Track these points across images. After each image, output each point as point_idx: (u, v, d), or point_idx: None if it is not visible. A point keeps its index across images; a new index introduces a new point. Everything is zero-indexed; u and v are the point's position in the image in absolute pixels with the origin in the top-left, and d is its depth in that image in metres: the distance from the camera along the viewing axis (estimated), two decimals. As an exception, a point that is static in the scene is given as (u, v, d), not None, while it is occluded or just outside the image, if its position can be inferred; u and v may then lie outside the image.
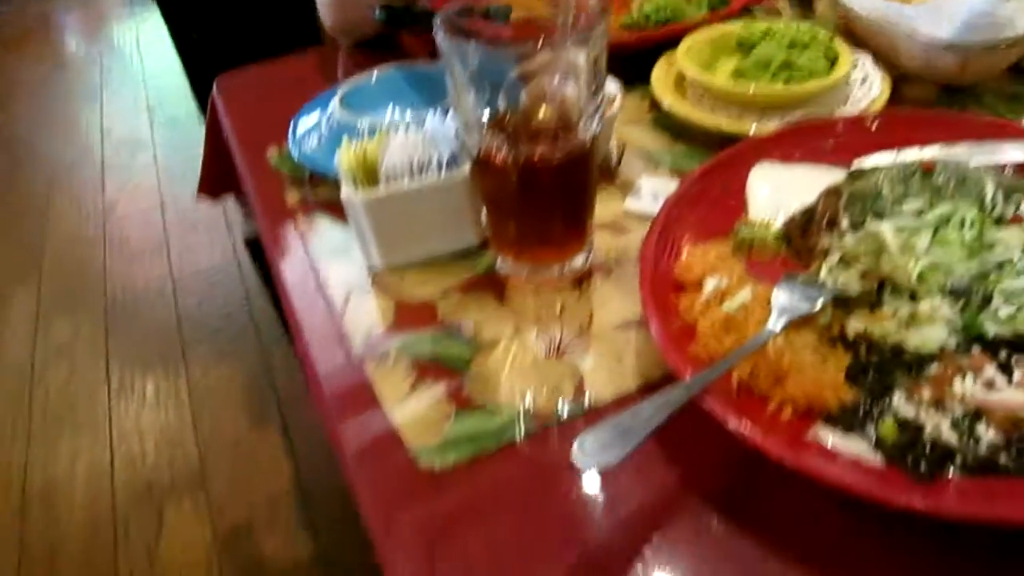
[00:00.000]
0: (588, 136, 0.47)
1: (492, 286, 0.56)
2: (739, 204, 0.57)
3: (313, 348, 0.53)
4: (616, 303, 0.53)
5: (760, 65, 0.70)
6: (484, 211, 0.56)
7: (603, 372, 0.48)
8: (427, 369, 0.50)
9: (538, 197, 0.50)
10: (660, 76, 0.74)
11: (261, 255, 1.19)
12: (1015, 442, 0.39)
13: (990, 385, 0.42)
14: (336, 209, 0.65)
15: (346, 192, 0.54)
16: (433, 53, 0.48)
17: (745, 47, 0.74)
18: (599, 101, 0.47)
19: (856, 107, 0.68)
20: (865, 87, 0.70)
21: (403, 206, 0.54)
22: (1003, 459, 0.39)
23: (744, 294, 0.46)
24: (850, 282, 0.48)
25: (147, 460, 1.43)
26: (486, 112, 0.48)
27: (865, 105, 0.68)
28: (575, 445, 0.36)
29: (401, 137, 0.54)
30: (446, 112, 0.57)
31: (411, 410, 0.47)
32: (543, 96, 0.47)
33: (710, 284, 0.47)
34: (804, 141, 0.61)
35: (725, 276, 0.47)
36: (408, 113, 0.66)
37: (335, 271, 0.59)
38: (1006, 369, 0.43)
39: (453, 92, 0.48)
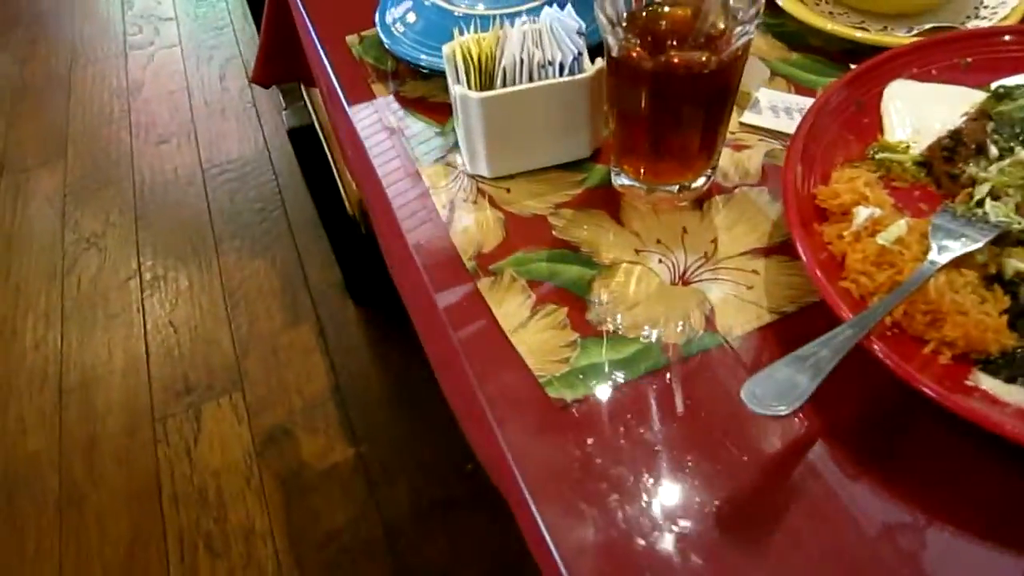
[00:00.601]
0: (741, 44, 0.44)
1: (606, 202, 0.54)
2: (874, 124, 0.54)
3: (420, 259, 0.51)
4: (741, 227, 0.51)
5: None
6: (607, 119, 0.53)
7: (733, 302, 0.47)
8: (546, 291, 0.48)
9: (677, 107, 0.47)
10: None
11: (306, 147, 1.16)
12: None
13: None
14: (431, 107, 0.62)
15: (459, 89, 0.51)
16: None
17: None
18: (758, 5, 0.43)
19: (991, 17, 0.63)
20: (1007, -4, 0.65)
21: (521, 108, 0.51)
22: None
23: (900, 226, 0.44)
24: (1008, 216, 0.45)
25: (184, 357, 1.45)
26: (631, 7, 0.44)
27: (1003, 15, 0.63)
28: (744, 390, 0.35)
29: (519, 31, 0.51)
30: (564, 3, 0.53)
31: (533, 336, 0.46)
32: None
33: (862, 214, 0.45)
34: (941, 56, 0.57)
35: (876, 206, 0.45)
36: (526, 2, 0.62)
37: (433, 175, 0.57)
38: None
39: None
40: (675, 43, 0.45)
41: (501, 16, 0.58)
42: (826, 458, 0.40)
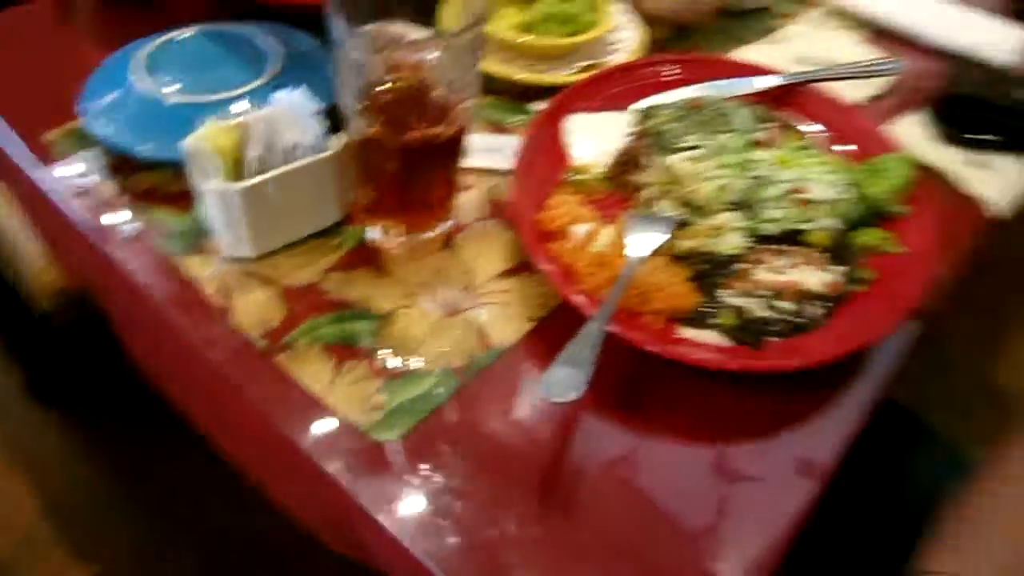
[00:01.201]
0: (467, 112, 0.55)
1: (367, 258, 0.61)
2: (563, 152, 0.69)
3: (210, 354, 0.54)
4: (486, 256, 0.62)
5: (543, 18, 0.81)
6: (354, 186, 0.60)
7: (499, 320, 0.58)
8: (342, 350, 0.55)
9: (419, 169, 0.56)
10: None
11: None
12: (804, 306, 0.57)
13: (777, 271, 0.60)
14: (167, 197, 0.64)
15: (217, 184, 0.54)
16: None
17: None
18: (476, 77, 0.54)
19: (625, 53, 0.82)
20: (626, 33, 0.85)
21: (277, 191, 0.56)
22: (800, 320, 0.57)
23: (607, 234, 0.58)
24: (673, 208, 0.62)
25: None
26: (369, 91, 0.52)
27: (632, 50, 0.83)
28: (543, 385, 0.46)
29: (260, 120, 0.56)
30: (295, 86, 0.59)
31: (344, 391, 0.52)
32: (424, 75, 0.53)
33: (579, 230, 0.58)
34: (601, 88, 0.74)
35: (588, 222, 0.59)
36: (238, 86, 0.66)
37: (192, 266, 0.59)
38: (786, 255, 0.61)
39: (341, 71, 0.51)
40: (412, 117, 0.54)
41: (218, 103, 0.62)
42: (600, 422, 0.52)
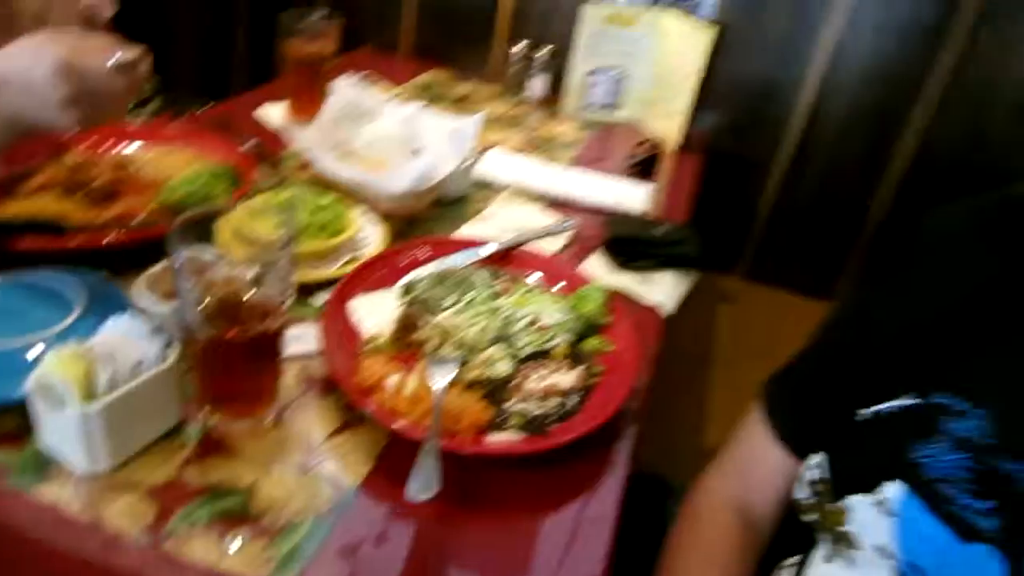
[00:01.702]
0: (284, 312, 0.70)
1: (216, 446, 0.72)
2: (355, 329, 0.87)
3: (101, 559, 0.60)
4: (316, 422, 0.76)
5: (303, 228, 1.00)
6: (192, 386, 0.71)
7: (344, 467, 0.72)
8: (222, 524, 0.64)
9: (249, 363, 0.70)
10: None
11: None
12: (565, 400, 0.80)
13: (540, 379, 0.82)
14: None
15: (74, 408, 0.63)
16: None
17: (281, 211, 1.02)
18: (292, 283, 0.71)
19: (375, 245, 1.04)
20: (371, 229, 1.07)
21: (129, 404, 0.66)
22: (565, 410, 0.79)
23: (413, 380, 0.77)
24: (453, 351, 0.83)
25: None
26: (201, 303, 0.66)
27: (379, 242, 1.05)
28: (409, 489, 0.61)
29: (104, 341, 0.66)
30: (105, 316, 0.70)
31: (236, 558, 0.62)
32: (245, 286, 0.68)
33: (391, 381, 0.76)
34: (368, 275, 0.94)
35: (396, 374, 0.77)
36: (50, 327, 0.74)
37: (49, 492, 0.65)
38: (543, 367, 0.84)
39: (179, 289, 0.65)
40: (238, 321, 0.68)
41: (28, 345, 0.71)
42: (442, 514, 0.68)
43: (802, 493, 0.68)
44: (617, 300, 0.98)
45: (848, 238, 1.97)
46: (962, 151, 1.77)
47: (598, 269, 1.11)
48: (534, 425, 0.77)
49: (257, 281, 0.69)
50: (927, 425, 0.57)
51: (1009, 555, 0.49)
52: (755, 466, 0.77)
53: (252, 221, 0.75)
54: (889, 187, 1.89)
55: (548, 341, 0.88)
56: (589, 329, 0.93)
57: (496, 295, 0.94)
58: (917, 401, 0.58)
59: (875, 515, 0.59)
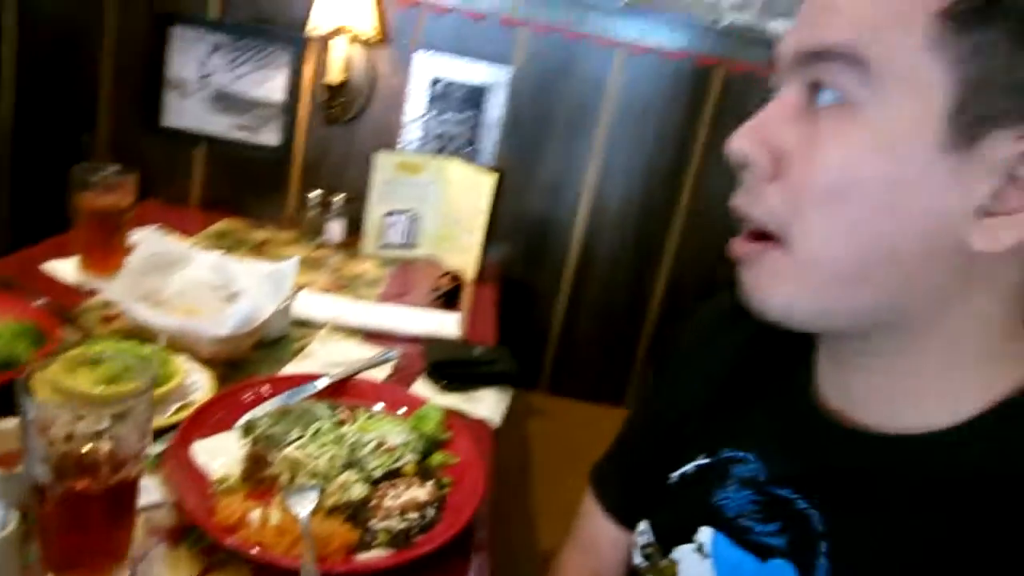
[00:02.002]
0: (139, 463, 0.70)
1: (64, 614, 0.67)
2: (201, 472, 0.86)
3: None
4: (174, 571, 0.74)
5: (115, 375, 0.97)
6: (38, 551, 0.67)
7: (213, 610, 0.71)
8: None
9: (107, 518, 0.68)
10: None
11: None
12: (423, 512, 0.85)
13: (397, 496, 0.87)
14: None
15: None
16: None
17: (94, 362, 0.99)
18: (146, 437, 0.70)
19: (203, 391, 1.04)
20: (197, 375, 1.07)
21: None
22: (425, 521, 0.84)
23: (275, 512, 0.78)
24: (308, 481, 0.85)
25: None
26: (51, 458, 0.64)
27: (208, 387, 1.05)
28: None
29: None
30: None
31: None
32: (98, 438, 0.67)
33: (254, 516, 0.76)
34: (204, 419, 0.94)
35: (257, 508, 0.78)
36: None
37: None
38: (396, 486, 0.89)
39: (27, 442, 0.63)
40: (89, 474, 0.66)
41: None
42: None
43: (637, 559, 0.78)
44: (453, 417, 1.06)
45: (629, 348, 2.23)
46: (707, 267, 2.12)
47: (427, 391, 1.19)
48: (400, 539, 0.81)
49: (109, 431, 0.68)
50: (721, 475, 0.69)
51: (798, 563, 0.60)
52: (597, 540, 0.86)
53: (70, 376, 0.74)
54: (657, 301, 2.20)
55: (397, 461, 0.93)
56: (432, 446, 0.99)
57: (340, 424, 0.98)
58: (709, 460, 0.71)
59: (697, 559, 0.69)
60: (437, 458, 0.98)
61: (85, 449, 0.67)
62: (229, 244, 1.77)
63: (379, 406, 1.07)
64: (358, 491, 0.87)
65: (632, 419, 0.88)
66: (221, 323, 1.12)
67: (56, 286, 1.32)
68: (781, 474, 0.63)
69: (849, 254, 0.50)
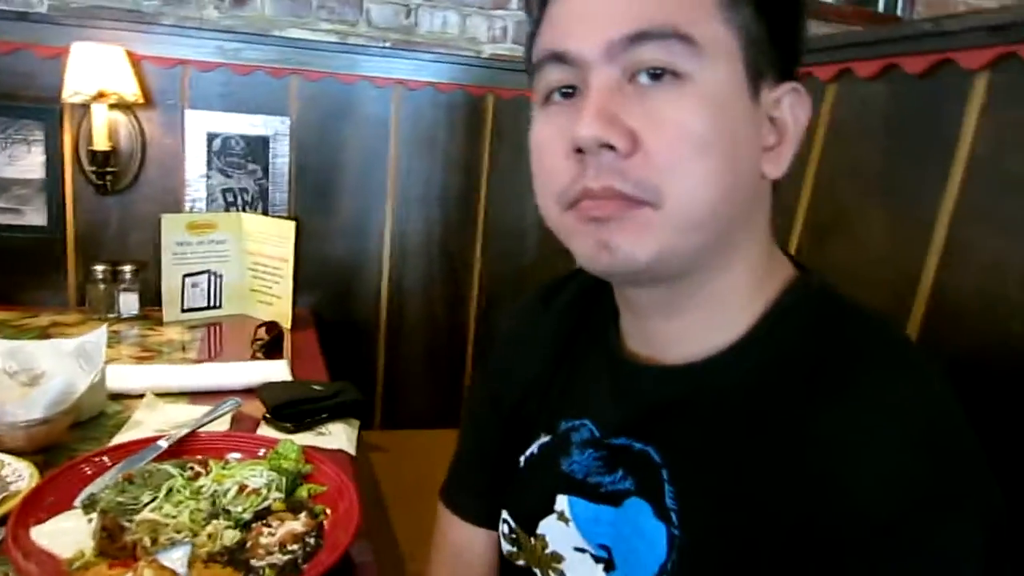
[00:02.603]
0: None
1: None
2: (49, 554, 0.78)
3: None
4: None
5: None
6: None
7: None
8: None
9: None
10: None
11: None
12: (304, 542, 0.84)
13: (273, 532, 0.85)
14: None
15: None
16: None
17: None
18: None
19: (27, 479, 0.94)
20: (17, 464, 0.96)
21: None
22: (308, 551, 0.83)
23: (148, 572, 0.73)
24: (174, 538, 0.81)
25: None
26: None
27: (31, 474, 0.94)
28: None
29: None
30: None
31: None
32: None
33: (126, 578, 0.71)
34: (38, 504, 0.85)
35: (127, 572, 0.72)
36: None
37: None
38: (269, 524, 0.86)
39: None
40: None
41: None
42: None
43: (505, 547, 0.81)
44: (308, 450, 1.04)
45: (455, 366, 2.28)
46: (514, 272, 2.25)
47: (276, 433, 1.16)
48: (288, 570, 0.79)
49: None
50: (564, 446, 0.75)
51: (647, 497, 0.66)
52: (462, 548, 0.87)
53: None
54: (473, 316, 2.28)
55: (264, 501, 0.91)
56: (295, 481, 0.97)
57: (194, 478, 0.93)
58: (550, 437, 0.77)
59: (561, 527, 0.73)
60: (303, 489, 0.96)
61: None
62: (10, 335, 1.59)
63: (234, 456, 1.03)
64: (230, 536, 0.84)
65: (466, 425, 0.92)
66: (31, 406, 1.02)
67: None
68: (613, 426, 0.70)
69: (709, 200, 0.57)
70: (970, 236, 1.04)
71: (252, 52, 1.99)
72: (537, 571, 0.76)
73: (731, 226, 0.60)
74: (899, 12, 2.77)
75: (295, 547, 0.83)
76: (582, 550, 0.72)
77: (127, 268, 1.82)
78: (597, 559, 0.70)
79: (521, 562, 0.78)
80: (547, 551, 0.75)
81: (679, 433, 0.65)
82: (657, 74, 0.56)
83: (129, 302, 1.81)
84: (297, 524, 0.87)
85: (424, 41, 2.17)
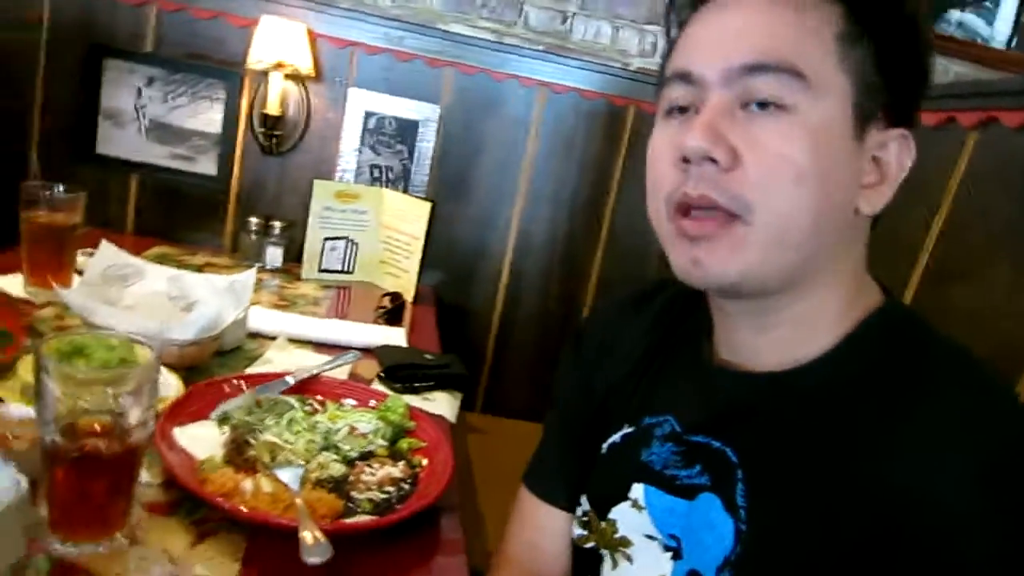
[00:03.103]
0: (142, 435, 0.74)
1: (72, 570, 0.70)
2: (187, 453, 0.89)
3: None
4: (171, 537, 0.78)
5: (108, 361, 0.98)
6: (46, 514, 0.70)
7: (214, 570, 0.74)
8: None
9: (111, 484, 0.72)
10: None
11: None
12: (399, 486, 0.91)
13: (374, 473, 0.93)
14: None
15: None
16: None
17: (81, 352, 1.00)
18: (152, 413, 0.74)
19: (173, 389, 1.06)
20: (169, 379, 1.09)
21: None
22: (402, 493, 0.90)
23: (266, 482, 0.82)
24: (293, 459, 0.90)
25: None
26: (60, 420, 0.68)
27: (176, 386, 1.07)
28: (306, 554, 0.68)
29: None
30: None
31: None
32: (114, 412, 0.71)
33: (246, 485, 0.81)
34: (183, 410, 0.97)
35: (249, 479, 0.82)
36: None
37: None
38: (371, 465, 0.94)
39: (46, 403, 0.66)
40: (95, 439, 0.70)
41: None
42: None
43: (576, 531, 0.85)
44: (414, 409, 1.12)
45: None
46: (630, 284, 2.26)
47: (388, 389, 1.25)
48: (382, 507, 0.87)
49: (118, 402, 0.72)
50: (645, 438, 0.79)
51: (720, 494, 0.70)
52: (538, 526, 0.92)
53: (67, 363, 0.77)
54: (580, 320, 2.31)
55: (369, 444, 0.99)
56: (399, 433, 1.05)
57: (311, 414, 1.03)
58: (633, 429, 0.82)
59: (634, 514, 0.78)
60: (405, 442, 1.04)
61: (94, 419, 0.71)
62: (173, 266, 1.78)
63: (348, 402, 1.12)
64: (337, 468, 0.92)
65: (552, 412, 0.97)
66: (185, 328, 1.15)
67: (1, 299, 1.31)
68: (695, 424, 0.75)
69: (798, 225, 0.61)
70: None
71: (414, 41, 2.12)
72: (605, 552, 0.81)
73: (820, 252, 0.64)
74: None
75: (391, 489, 0.91)
76: (652, 537, 0.76)
77: (277, 224, 1.99)
78: (666, 548, 0.74)
79: (590, 544, 0.83)
80: (616, 535, 0.79)
81: (757, 435, 0.69)
82: (766, 104, 0.60)
83: (275, 255, 1.97)
84: (396, 470, 0.95)
85: (576, 48, 2.23)
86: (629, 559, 0.78)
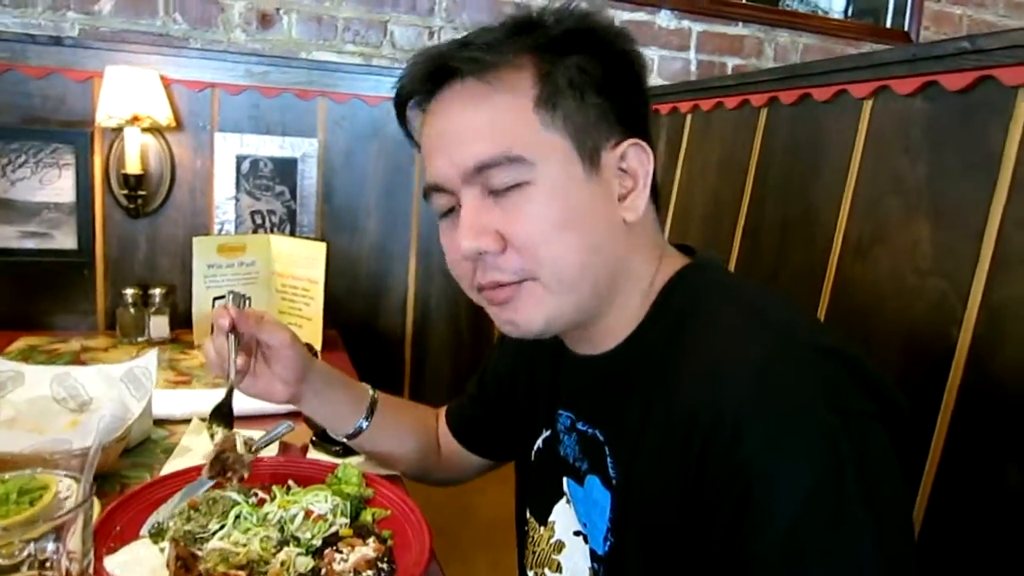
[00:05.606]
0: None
1: None
2: None
3: None
4: None
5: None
6: None
7: None
8: None
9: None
10: None
11: None
12: (377, 567, 0.82)
13: (346, 558, 0.83)
14: None
15: None
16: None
17: None
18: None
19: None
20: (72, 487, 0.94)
21: None
22: (384, 574, 0.81)
23: None
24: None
25: None
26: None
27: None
28: None
29: None
30: None
31: None
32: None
33: None
34: (105, 534, 0.83)
35: None
36: None
37: None
38: (340, 550, 0.84)
39: None
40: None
41: None
42: None
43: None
44: (368, 474, 1.02)
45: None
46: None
47: (321, 456, 1.14)
48: (358, 595, 0.77)
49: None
50: (558, 435, 0.86)
51: (598, 473, 0.78)
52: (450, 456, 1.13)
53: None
54: (493, 335, 2.26)
55: (331, 527, 0.89)
56: (359, 505, 0.95)
57: (257, 506, 0.92)
58: (550, 431, 0.89)
59: (566, 509, 0.85)
60: (367, 514, 0.94)
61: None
62: (42, 361, 1.57)
63: (290, 482, 1.01)
64: (304, 563, 0.82)
65: (483, 371, 1.10)
66: (86, 434, 1.00)
67: None
68: (578, 412, 0.83)
69: (578, 263, 0.71)
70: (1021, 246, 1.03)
71: (279, 75, 1.99)
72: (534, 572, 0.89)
73: (607, 273, 0.73)
74: (906, 29, 2.79)
75: (369, 573, 0.81)
76: (578, 533, 0.83)
77: (156, 291, 1.81)
78: (585, 537, 0.81)
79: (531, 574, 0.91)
80: (552, 540, 0.87)
81: (607, 412, 0.78)
82: (507, 187, 0.70)
83: (160, 325, 1.79)
84: (368, 549, 0.85)
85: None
86: (560, 570, 0.86)
